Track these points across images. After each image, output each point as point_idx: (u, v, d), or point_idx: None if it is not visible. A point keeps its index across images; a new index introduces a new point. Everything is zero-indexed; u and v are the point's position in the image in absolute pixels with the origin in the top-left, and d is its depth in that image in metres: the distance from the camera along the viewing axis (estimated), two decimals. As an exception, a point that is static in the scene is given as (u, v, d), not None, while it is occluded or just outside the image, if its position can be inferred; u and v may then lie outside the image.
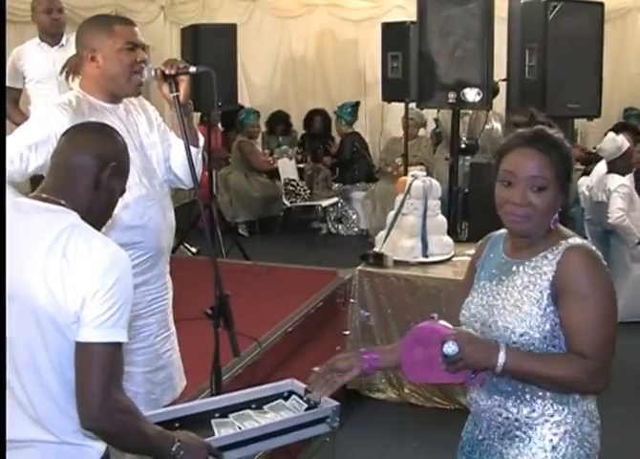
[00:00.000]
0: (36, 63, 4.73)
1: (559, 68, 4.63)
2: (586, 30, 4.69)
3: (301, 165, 8.31)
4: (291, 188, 7.88)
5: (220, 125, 8.19)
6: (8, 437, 1.67)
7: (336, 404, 2.06)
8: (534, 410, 1.87)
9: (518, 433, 1.89)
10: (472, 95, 5.04)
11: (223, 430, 2.00)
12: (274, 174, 8.15)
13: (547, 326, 1.82)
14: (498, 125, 6.35)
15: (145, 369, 2.59)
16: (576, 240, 1.87)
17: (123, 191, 1.90)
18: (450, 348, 1.72)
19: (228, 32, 6.04)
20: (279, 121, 8.96)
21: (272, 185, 8.12)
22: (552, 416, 1.86)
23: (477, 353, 1.75)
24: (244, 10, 9.10)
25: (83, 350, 1.64)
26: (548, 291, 1.82)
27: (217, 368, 2.51)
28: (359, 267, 4.25)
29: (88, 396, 1.63)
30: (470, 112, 6.34)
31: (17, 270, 1.65)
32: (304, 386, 2.11)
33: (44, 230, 1.67)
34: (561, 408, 1.86)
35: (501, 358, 1.75)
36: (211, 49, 5.79)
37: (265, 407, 2.14)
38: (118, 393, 1.67)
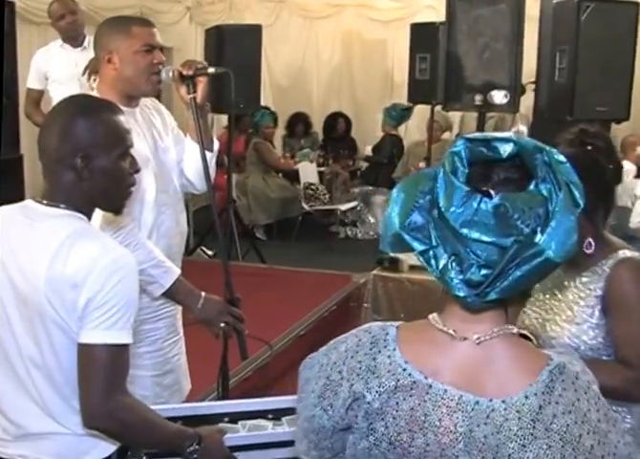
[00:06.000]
0: (59, 64, 4.81)
1: (589, 70, 4.56)
2: (620, 30, 4.61)
3: (321, 169, 8.26)
4: (311, 193, 7.84)
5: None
6: (27, 430, 1.75)
7: None
8: None
9: None
10: (499, 97, 4.96)
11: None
12: (293, 177, 8.11)
13: (599, 338, 1.87)
14: (524, 128, 6.21)
15: (154, 373, 2.58)
16: (625, 253, 1.90)
17: (133, 162, 1.78)
18: None
19: (253, 32, 5.98)
20: (298, 123, 8.89)
21: (291, 188, 8.06)
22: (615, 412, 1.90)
23: None
24: (271, 11, 9.05)
25: (84, 351, 1.66)
26: (599, 306, 1.87)
27: (224, 371, 2.56)
28: (374, 271, 4.21)
29: (89, 397, 1.66)
30: (494, 114, 6.22)
31: (26, 277, 1.68)
32: None
33: (49, 238, 1.67)
34: (621, 409, 1.89)
35: None
36: (235, 50, 5.74)
37: (283, 419, 2.05)
38: (120, 393, 1.69)
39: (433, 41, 5.97)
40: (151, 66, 2.44)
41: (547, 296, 1.99)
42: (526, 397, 1.12)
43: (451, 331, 1.17)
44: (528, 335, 1.87)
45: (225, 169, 5.96)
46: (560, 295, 1.96)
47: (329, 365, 1.26)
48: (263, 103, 7.09)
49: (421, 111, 7.08)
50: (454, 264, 1.10)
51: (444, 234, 1.10)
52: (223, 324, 2.38)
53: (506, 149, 1.11)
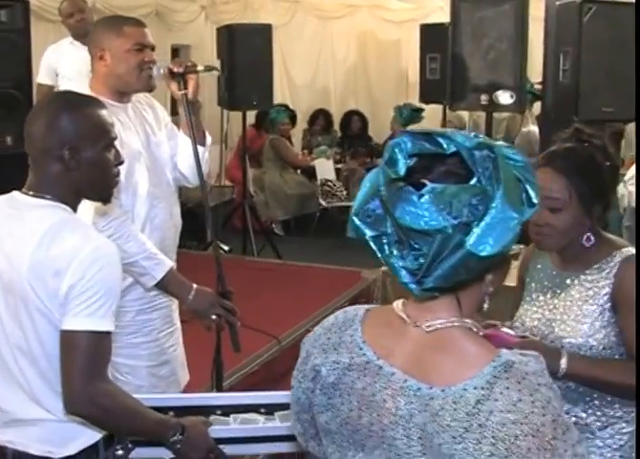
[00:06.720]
0: (69, 61, 4.86)
1: (594, 71, 4.51)
2: (623, 32, 4.56)
3: (339, 166, 8.27)
4: (328, 189, 7.86)
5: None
6: (14, 416, 1.77)
7: None
8: (604, 414, 1.88)
9: (586, 435, 1.88)
10: (505, 97, 4.99)
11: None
12: (310, 173, 8.14)
13: (612, 337, 1.84)
14: (535, 128, 6.23)
15: (149, 363, 2.62)
16: (630, 250, 1.87)
17: (117, 154, 1.82)
18: None
19: (264, 32, 6.06)
20: (319, 118, 8.93)
21: (308, 184, 8.10)
22: (621, 418, 1.88)
23: None
24: (285, 11, 9.10)
25: (66, 338, 1.68)
26: (608, 304, 1.84)
27: (218, 363, 2.57)
28: (383, 267, 4.22)
29: (70, 382, 1.68)
30: (504, 114, 6.27)
31: (11, 265, 1.72)
32: None
33: (34, 227, 1.71)
34: (630, 410, 1.87)
35: (563, 363, 1.79)
36: (246, 48, 5.83)
37: (276, 414, 2.03)
38: (101, 380, 1.71)
39: (442, 41, 5.94)
40: (141, 64, 2.50)
41: (549, 296, 1.94)
42: (465, 389, 1.11)
43: (404, 316, 1.20)
44: (530, 337, 1.87)
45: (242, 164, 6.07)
46: (563, 294, 1.91)
47: (309, 341, 1.32)
48: (280, 101, 7.14)
49: (434, 110, 7.13)
50: (396, 251, 1.12)
51: (393, 222, 1.12)
52: (214, 316, 2.42)
53: (450, 145, 1.10)
